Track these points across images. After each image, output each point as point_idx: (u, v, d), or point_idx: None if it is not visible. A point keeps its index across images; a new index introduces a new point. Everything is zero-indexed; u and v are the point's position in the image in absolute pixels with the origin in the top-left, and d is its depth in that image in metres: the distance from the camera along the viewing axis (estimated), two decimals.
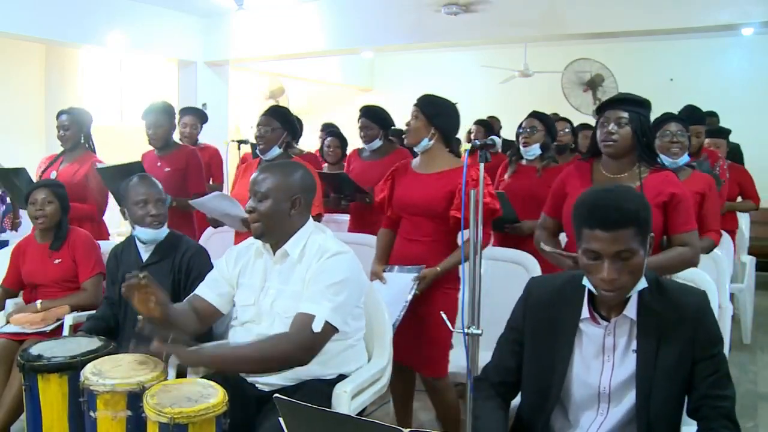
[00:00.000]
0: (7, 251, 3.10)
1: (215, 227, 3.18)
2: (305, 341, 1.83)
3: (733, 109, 6.15)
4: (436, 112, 2.52)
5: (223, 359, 1.86)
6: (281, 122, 2.99)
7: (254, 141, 3.12)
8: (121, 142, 6.29)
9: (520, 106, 6.52)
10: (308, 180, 2.05)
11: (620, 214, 1.43)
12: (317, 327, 1.82)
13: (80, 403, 1.71)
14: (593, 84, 7.84)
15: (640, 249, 1.45)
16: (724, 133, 4.47)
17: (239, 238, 2.97)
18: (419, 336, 2.44)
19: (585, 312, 1.55)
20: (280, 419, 1.27)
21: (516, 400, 1.73)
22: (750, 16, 4.82)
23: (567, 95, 7.91)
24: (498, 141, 2.17)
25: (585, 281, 1.53)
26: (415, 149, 2.57)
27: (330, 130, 4.86)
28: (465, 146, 2.06)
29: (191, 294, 2.11)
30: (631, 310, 1.51)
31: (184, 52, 7.11)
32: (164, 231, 2.55)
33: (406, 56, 9.39)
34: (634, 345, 1.51)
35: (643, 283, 1.51)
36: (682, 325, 1.48)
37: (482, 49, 8.39)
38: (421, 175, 2.55)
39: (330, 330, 1.86)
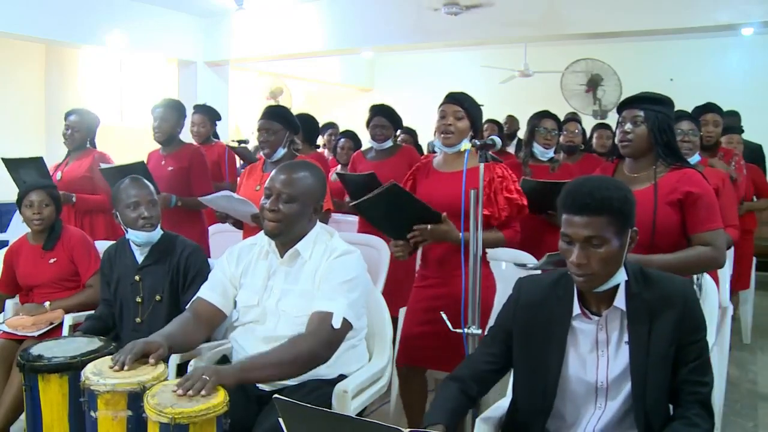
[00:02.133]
0: (3, 252, 3.10)
1: (223, 222, 3.16)
2: (328, 338, 1.83)
3: (733, 109, 6.15)
4: (477, 115, 2.50)
5: (258, 369, 1.77)
6: (281, 123, 2.96)
7: (257, 143, 3.10)
8: (121, 142, 6.30)
9: (520, 106, 6.53)
10: (325, 185, 2.09)
11: (592, 199, 1.44)
12: (337, 323, 1.83)
13: (80, 403, 1.71)
14: (594, 84, 7.84)
15: (613, 239, 1.45)
16: (736, 129, 4.46)
17: (247, 233, 2.94)
18: (442, 334, 2.43)
19: (576, 308, 1.56)
20: (280, 419, 1.28)
21: (504, 403, 1.73)
22: (750, 16, 4.82)
23: (567, 97, 7.91)
24: (498, 141, 2.17)
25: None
26: (450, 150, 2.46)
27: (345, 131, 4.85)
28: (465, 146, 2.07)
29: (195, 298, 2.08)
30: (620, 301, 1.52)
31: (184, 52, 7.11)
32: (158, 233, 2.52)
33: (406, 56, 9.39)
34: (626, 337, 1.53)
35: (622, 276, 1.51)
36: (670, 312, 1.50)
37: (482, 49, 8.39)
38: (445, 173, 2.47)
39: (347, 326, 1.87)
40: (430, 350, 2.44)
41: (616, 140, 2.22)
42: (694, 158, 2.92)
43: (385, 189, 2.19)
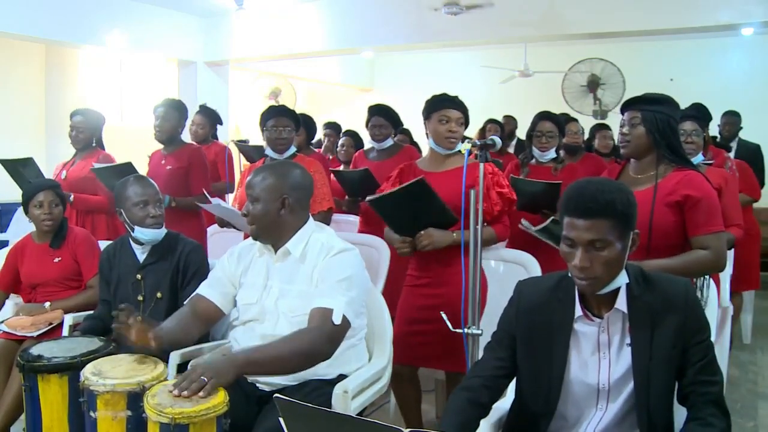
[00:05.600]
0: (4, 252, 3.09)
1: (222, 226, 3.18)
2: (329, 333, 1.83)
3: (733, 109, 6.15)
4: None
5: (258, 365, 1.78)
6: (294, 121, 3.04)
7: (264, 142, 3.10)
8: (122, 142, 6.28)
9: (520, 106, 6.53)
10: (298, 178, 2.04)
11: (595, 203, 1.44)
12: (337, 319, 1.83)
13: (80, 403, 1.71)
14: (593, 84, 7.85)
15: (616, 242, 1.45)
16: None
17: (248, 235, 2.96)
18: (437, 333, 2.42)
19: (578, 310, 1.56)
20: (280, 419, 1.27)
21: (506, 404, 1.73)
22: (750, 16, 4.82)
23: (567, 99, 7.91)
24: (498, 141, 2.18)
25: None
26: (446, 153, 2.55)
27: (347, 130, 4.87)
28: (465, 146, 2.07)
29: (193, 294, 2.10)
30: (621, 303, 1.52)
31: (184, 52, 7.10)
32: (163, 231, 2.54)
33: (406, 56, 9.39)
34: (628, 339, 1.53)
35: (623, 278, 1.51)
36: (672, 313, 1.50)
37: (482, 49, 8.39)
38: (437, 173, 2.52)
39: (346, 323, 1.87)
40: (425, 349, 2.45)
41: (617, 142, 2.25)
42: (698, 158, 2.92)
43: (413, 183, 2.30)
